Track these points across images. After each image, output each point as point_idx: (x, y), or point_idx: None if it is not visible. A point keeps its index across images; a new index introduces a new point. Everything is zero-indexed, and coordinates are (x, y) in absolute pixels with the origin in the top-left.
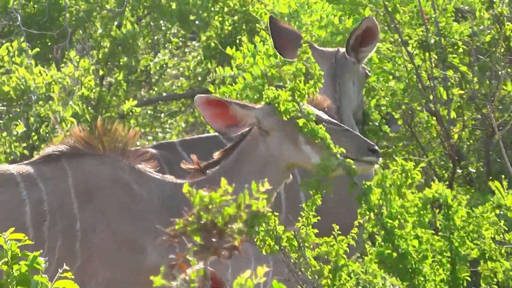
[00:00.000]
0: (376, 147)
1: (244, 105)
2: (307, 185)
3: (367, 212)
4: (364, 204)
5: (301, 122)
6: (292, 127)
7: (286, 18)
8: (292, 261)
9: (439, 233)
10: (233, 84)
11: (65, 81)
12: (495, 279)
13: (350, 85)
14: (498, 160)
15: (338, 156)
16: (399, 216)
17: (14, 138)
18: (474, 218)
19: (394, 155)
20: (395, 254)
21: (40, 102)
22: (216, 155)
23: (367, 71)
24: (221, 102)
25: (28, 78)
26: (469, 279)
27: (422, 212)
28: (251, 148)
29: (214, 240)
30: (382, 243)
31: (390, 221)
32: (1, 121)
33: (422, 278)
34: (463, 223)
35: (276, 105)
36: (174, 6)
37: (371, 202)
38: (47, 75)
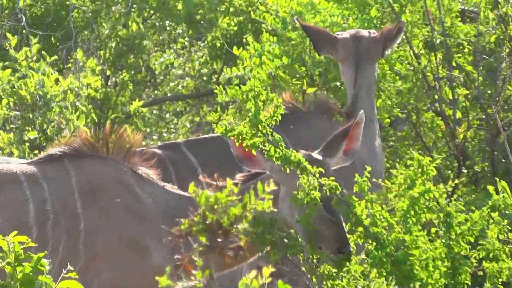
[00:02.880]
0: (348, 250)
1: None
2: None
3: (355, 226)
4: (352, 217)
5: (272, 150)
6: (294, 190)
7: (288, 20)
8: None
9: (438, 240)
10: (240, 85)
11: (81, 91)
12: (500, 279)
13: (373, 71)
14: (503, 160)
15: (316, 185)
16: (384, 223)
17: (27, 144)
18: (472, 222)
19: (400, 154)
20: (388, 261)
21: (54, 110)
22: (238, 177)
23: None
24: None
25: (47, 85)
26: (469, 283)
27: (408, 215)
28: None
29: (219, 240)
30: (375, 251)
31: (377, 229)
32: (14, 126)
33: (419, 283)
34: (461, 229)
35: (240, 139)
36: (180, 6)
37: (359, 216)
38: (63, 83)
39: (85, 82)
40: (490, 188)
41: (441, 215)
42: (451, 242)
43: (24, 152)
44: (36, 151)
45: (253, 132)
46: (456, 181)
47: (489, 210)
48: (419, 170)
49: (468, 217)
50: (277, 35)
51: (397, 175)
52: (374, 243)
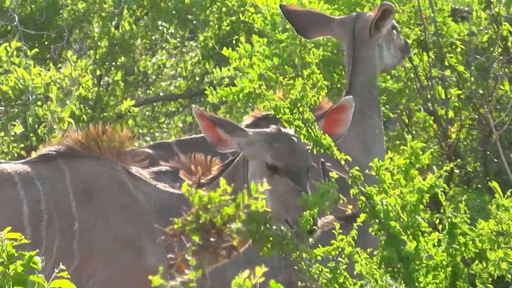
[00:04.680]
0: (314, 227)
1: (229, 130)
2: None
3: (372, 219)
4: (369, 211)
5: (304, 131)
6: (262, 163)
7: (279, 20)
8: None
9: (441, 248)
10: (230, 85)
11: (63, 82)
12: (490, 279)
13: (371, 52)
14: (496, 160)
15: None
16: (395, 216)
17: (12, 138)
18: (477, 235)
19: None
20: (396, 257)
21: (38, 103)
22: (213, 170)
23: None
24: (209, 121)
25: (27, 79)
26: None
27: (417, 208)
28: (239, 169)
29: (212, 239)
30: (385, 247)
31: (393, 223)
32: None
33: (421, 285)
34: (465, 239)
35: (277, 114)
36: (171, 4)
37: (376, 209)
38: (45, 75)
39: (66, 73)
40: (492, 193)
41: (446, 223)
42: (454, 252)
43: (9, 147)
44: (22, 145)
45: (290, 107)
46: (442, 172)
47: (494, 222)
48: (413, 157)
49: (471, 232)
50: (267, 36)
51: (388, 166)
52: (386, 238)
